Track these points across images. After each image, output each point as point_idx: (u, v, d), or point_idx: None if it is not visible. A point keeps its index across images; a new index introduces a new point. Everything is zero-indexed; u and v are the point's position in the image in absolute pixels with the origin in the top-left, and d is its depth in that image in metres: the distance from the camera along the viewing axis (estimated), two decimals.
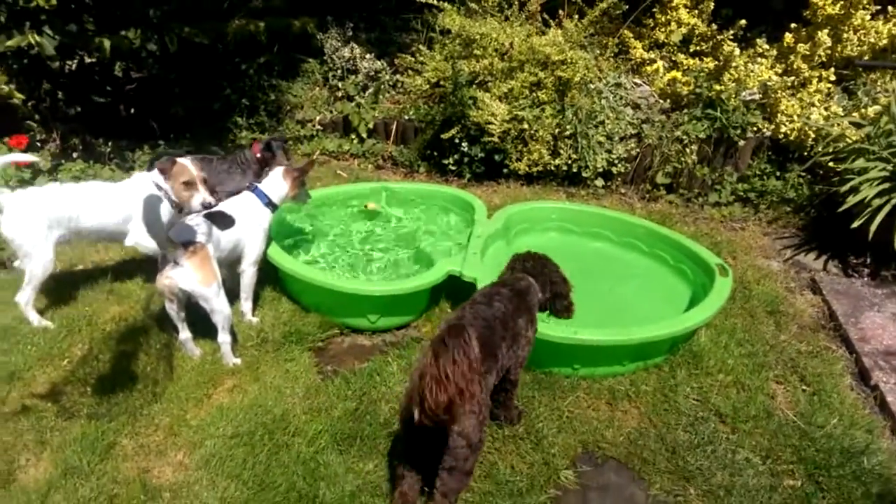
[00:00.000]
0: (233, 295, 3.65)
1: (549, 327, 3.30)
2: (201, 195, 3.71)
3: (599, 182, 5.85)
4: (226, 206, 3.75)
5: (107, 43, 5.33)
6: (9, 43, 5.03)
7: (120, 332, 3.79)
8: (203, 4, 6.62)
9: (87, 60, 6.29)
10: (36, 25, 5.16)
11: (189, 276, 3.25)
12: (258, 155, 4.66)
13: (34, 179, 5.16)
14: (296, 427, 3.10)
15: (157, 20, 5.95)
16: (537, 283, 3.05)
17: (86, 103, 6.27)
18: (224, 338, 3.46)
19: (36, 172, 5.28)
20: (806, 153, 5.44)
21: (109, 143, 6.16)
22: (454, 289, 3.96)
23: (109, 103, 6.61)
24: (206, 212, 3.59)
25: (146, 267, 4.35)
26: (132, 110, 6.88)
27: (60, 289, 4.15)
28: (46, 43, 5.14)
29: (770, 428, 3.19)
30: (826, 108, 5.45)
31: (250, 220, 3.79)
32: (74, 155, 5.92)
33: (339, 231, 4.92)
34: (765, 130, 5.60)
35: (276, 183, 3.98)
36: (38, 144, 5.77)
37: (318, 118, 6.86)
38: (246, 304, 3.90)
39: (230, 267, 3.81)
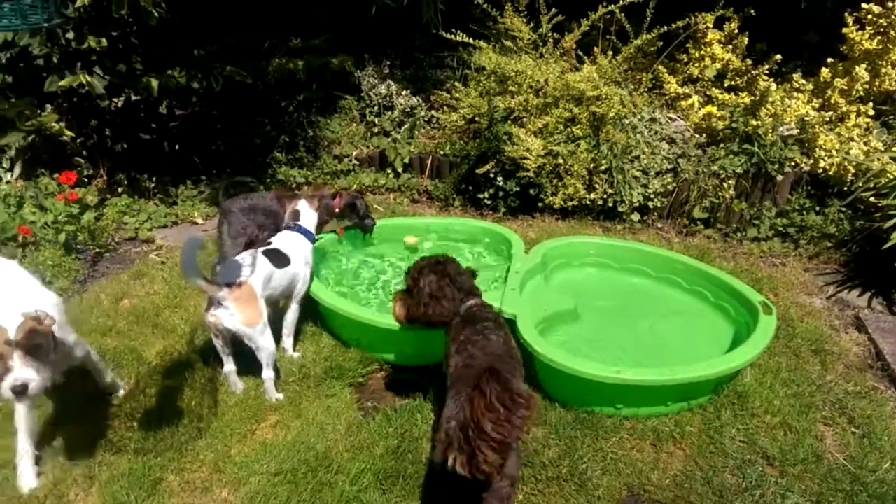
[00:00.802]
0: (274, 329, 3.68)
1: (592, 367, 3.28)
2: (12, 374, 2.51)
3: (636, 216, 5.84)
4: (279, 245, 3.83)
5: (154, 82, 5.50)
6: (61, 83, 5.23)
7: (165, 366, 3.84)
8: (245, 44, 6.82)
9: (133, 98, 6.50)
10: (87, 66, 5.36)
11: (233, 316, 3.30)
12: (336, 210, 4.58)
13: (82, 214, 5.30)
14: (338, 465, 3.10)
15: (202, 60, 6.13)
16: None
17: (132, 140, 6.48)
18: (268, 374, 3.49)
19: (84, 207, 5.42)
20: (846, 188, 5.37)
21: (154, 179, 6.35)
22: None
23: (154, 140, 6.82)
24: (264, 248, 3.67)
25: (191, 301, 4.44)
26: (176, 146, 7.07)
27: (106, 323, 4.25)
28: (96, 83, 5.32)
29: (820, 472, 3.10)
30: (865, 143, 5.40)
31: (301, 258, 3.88)
32: (120, 190, 6.12)
33: (377, 266, 4.96)
34: (803, 165, 5.55)
35: (309, 215, 4.13)
36: (86, 180, 5.95)
37: (355, 153, 6.96)
38: (288, 340, 3.94)
39: (273, 304, 3.87)
